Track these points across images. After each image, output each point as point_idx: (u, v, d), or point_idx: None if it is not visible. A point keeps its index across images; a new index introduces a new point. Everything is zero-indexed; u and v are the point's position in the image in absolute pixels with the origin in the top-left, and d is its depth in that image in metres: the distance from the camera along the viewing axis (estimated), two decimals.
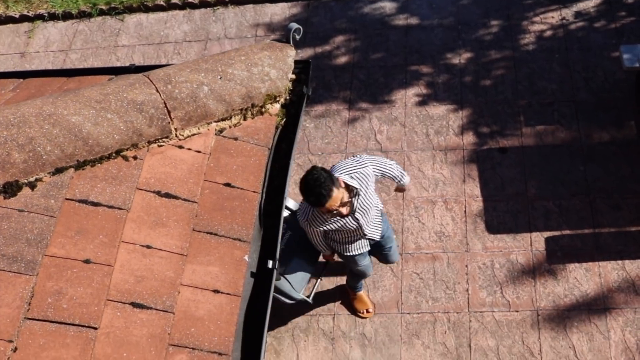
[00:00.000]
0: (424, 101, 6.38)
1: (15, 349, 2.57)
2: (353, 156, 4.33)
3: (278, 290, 4.50)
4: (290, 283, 4.54)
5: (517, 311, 5.17)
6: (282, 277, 4.50)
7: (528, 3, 6.97)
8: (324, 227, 4.24)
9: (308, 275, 4.69)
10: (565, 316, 5.12)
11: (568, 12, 6.81)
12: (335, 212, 3.96)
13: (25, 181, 2.88)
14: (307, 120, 6.33)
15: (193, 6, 7.58)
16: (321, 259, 4.95)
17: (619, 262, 5.29)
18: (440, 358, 5.04)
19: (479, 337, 5.09)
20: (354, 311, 5.27)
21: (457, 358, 5.03)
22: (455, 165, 5.92)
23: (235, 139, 3.24)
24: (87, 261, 2.80)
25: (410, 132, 6.18)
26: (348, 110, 6.41)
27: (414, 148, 6.08)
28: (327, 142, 6.22)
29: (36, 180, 2.90)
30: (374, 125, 6.28)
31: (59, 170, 2.94)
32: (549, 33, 6.68)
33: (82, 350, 2.62)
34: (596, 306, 5.13)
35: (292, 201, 4.66)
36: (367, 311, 5.24)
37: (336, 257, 4.89)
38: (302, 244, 4.58)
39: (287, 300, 4.65)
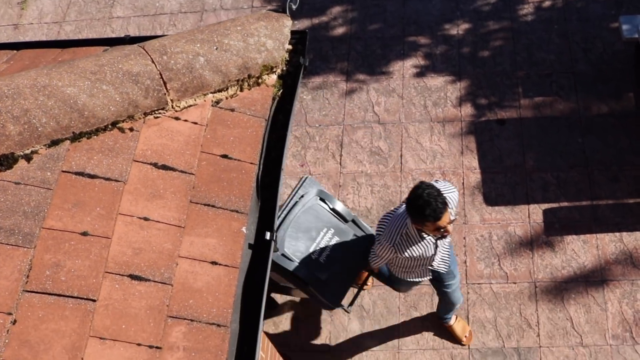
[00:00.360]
0: (421, 72, 6.34)
1: (15, 321, 2.58)
2: (436, 180, 4.19)
3: (317, 296, 4.39)
4: (331, 290, 4.41)
5: (514, 283, 5.20)
6: (323, 284, 4.37)
7: None
8: (407, 254, 4.02)
9: (349, 285, 4.56)
10: (562, 288, 5.14)
11: None
12: (443, 230, 3.77)
13: (21, 153, 2.86)
14: (304, 92, 6.29)
15: None
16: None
17: (617, 234, 5.31)
18: (438, 330, 5.07)
19: (477, 309, 5.12)
20: (456, 341, 5.02)
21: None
22: (453, 137, 5.90)
23: (232, 110, 3.21)
24: (84, 233, 2.79)
25: (408, 104, 6.15)
26: (345, 82, 6.37)
27: (411, 120, 6.05)
28: (325, 114, 6.19)
29: (32, 152, 2.88)
30: (372, 97, 6.25)
31: (54, 143, 2.91)
32: (547, 3, 6.62)
33: (81, 322, 2.63)
34: (594, 278, 5.15)
35: (340, 204, 4.53)
36: (467, 335, 5.01)
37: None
38: (348, 252, 4.47)
39: (325, 307, 4.57)
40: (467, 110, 6.04)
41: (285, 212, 4.41)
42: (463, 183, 5.66)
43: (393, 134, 5.98)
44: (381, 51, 6.53)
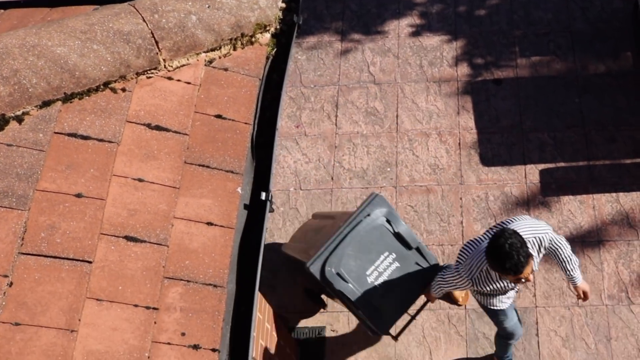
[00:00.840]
0: (417, 32, 6.26)
1: (11, 283, 2.57)
2: (533, 218, 3.86)
3: (366, 321, 4.20)
4: (382, 318, 4.19)
5: None
6: (375, 310, 4.16)
7: None
8: (483, 288, 3.84)
9: (402, 314, 4.31)
10: None
11: None
12: (523, 280, 3.52)
13: (12, 115, 2.82)
14: (298, 52, 6.22)
15: None
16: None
17: (613, 194, 5.31)
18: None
19: None
20: None
21: None
22: (449, 97, 5.86)
23: (226, 69, 3.17)
24: (79, 195, 2.77)
25: (404, 64, 6.09)
26: (340, 41, 6.30)
27: (407, 80, 6.00)
28: (320, 74, 6.13)
29: (23, 114, 2.84)
30: (367, 56, 6.18)
31: (46, 104, 2.88)
32: None
33: (78, 284, 2.63)
34: (590, 238, 5.16)
35: (406, 228, 4.26)
36: None
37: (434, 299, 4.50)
38: (406, 280, 4.23)
39: (372, 332, 4.34)
40: (464, 70, 5.98)
41: (348, 229, 4.13)
42: (459, 143, 5.63)
43: (389, 94, 5.93)
44: (376, 10, 6.44)
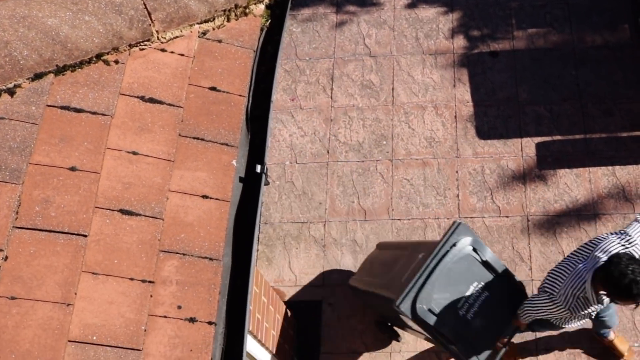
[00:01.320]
0: (413, 4, 6.20)
1: (6, 257, 2.57)
2: (616, 234, 3.72)
3: (460, 356, 4.02)
4: (476, 350, 3.99)
5: (507, 217, 5.21)
6: (469, 344, 3.98)
7: None
8: (580, 313, 3.74)
9: (495, 342, 4.08)
10: (555, 222, 5.16)
11: None
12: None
13: (4, 87, 2.79)
14: (293, 24, 6.16)
15: None
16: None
17: (610, 167, 5.30)
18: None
19: None
20: (618, 356, 4.70)
21: None
22: (445, 70, 5.82)
23: (219, 41, 3.14)
24: (72, 169, 2.75)
25: (400, 36, 6.04)
26: (335, 13, 6.23)
27: (403, 52, 5.95)
28: (315, 46, 6.08)
29: (15, 86, 2.81)
30: (363, 29, 6.12)
31: (38, 76, 2.84)
32: None
33: (73, 257, 2.62)
34: (586, 212, 5.17)
35: (492, 255, 4.06)
36: (629, 350, 4.72)
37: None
38: (497, 308, 4.05)
39: None
40: (460, 42, 5.94)
41: (434, 262, 3.95)
42: (455, 116, 5.61)
43: (384, 67, 5.89)
44: None
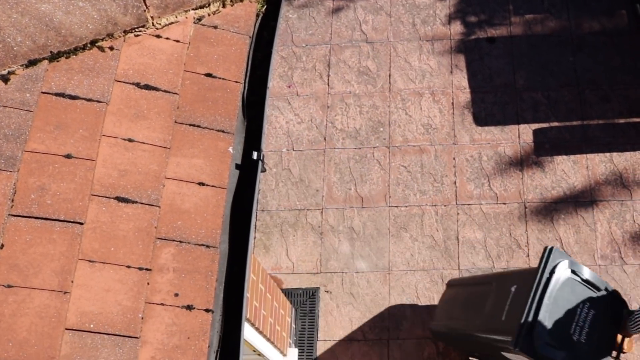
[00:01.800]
0: None
1: (2, 245, 2.55)
2: None
3: None
4: None
5: (504, 203, 5.21)
6: None
7: None
8: None
9: (607, 356, 4.00)
10: (552, 208, 5.16)
11: None
12: None
13: None
14: (289, 10, 6.13)
15: None
16: None
17: (607, 154, 5.30)
18: (428, 251, 5.12)
19: (467, 230, 5.15)
20: None
21: (444, 250, 5.11)
22: (442, 56, 5.80)
23: (215, 27, 3.11)
24: (68, 156, 2.73)
25: (396, 22, 6.01)
26: None
27: (400, 38, 5.93)
28: (311, 33, 6.05)
29: (9, 73, 2.78)
30: (359, 15, 6.09)
31: (32, 63, 2.82)
32: None
33: (69, 245, 2.61)
34: (583, 198, 5.17)
35: (590, 272, 3.99)
36: None
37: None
38: (605, 324, 3.98)
39: None
40: (457, 28, 5.91)
41: (539, 293, 3.86)
42: (452, 103, 5.59)
43: (381, 53, 5.87)
44: None
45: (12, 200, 2.62)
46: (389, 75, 5.77)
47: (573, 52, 5.69)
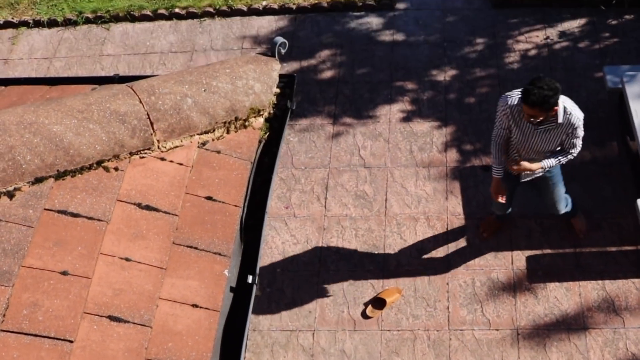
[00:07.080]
0: (408, 117, 6.39)
1: None
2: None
3: None
4: None
5: (497, 330, 5.17)
6: None
7: (513, 22, 7.03)
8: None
9: None
10: (545, 335, 5.12)
11: (553, 32, 6.87)
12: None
13: (4, 190, 2.83)
14: (291, 134, 6.32)
15: (180, 17, 7.57)
16: None
17: (600, 282, 5.31)
18: None
19: (459, 356, 5.08)
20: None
21: None
22: (438, 182, 5.93)
23: (218, 152, 3.22)
24: (64, 273, 2.76)
25: (394, 148, 6.19)
26: (332, 125, 6.41)
27: (397, 164, 6.08)
28: (311, 156, 6.21)
29: (15, 189, 2.86)
30: (358, 140, 6.28)
31: (38, 180, 2.90)
32: (533, 52, 6.73)
33: None
34: (576, 326, 5.14)
35: None
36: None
37: None
38: None
39: None
40: (453, 155, 6.08)
41: None
42: (447, 228, 5.67)
43: (378, 178, 6.00)
44: (369, 95, 6.59)
45: (4, 315, 2.62)
46: (385, 200, 5.88)
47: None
